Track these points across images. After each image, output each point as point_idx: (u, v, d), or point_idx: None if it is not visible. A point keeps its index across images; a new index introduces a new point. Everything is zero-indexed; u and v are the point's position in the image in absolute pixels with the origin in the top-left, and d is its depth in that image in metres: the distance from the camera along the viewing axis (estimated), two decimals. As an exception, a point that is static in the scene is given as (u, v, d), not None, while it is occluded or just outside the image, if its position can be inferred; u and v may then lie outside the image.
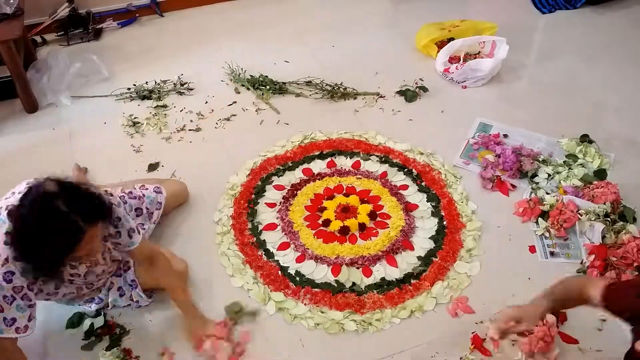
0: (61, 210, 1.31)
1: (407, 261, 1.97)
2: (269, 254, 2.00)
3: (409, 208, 2.15)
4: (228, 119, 2.60)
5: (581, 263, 1.93)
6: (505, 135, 2.44)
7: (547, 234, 2.02)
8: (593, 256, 1.89)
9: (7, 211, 1.41)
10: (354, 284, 1.90)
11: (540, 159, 2.28)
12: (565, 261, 1.95)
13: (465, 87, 2.75)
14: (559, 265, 1.93)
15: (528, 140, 2.39)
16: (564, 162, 2.28)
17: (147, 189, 1.99)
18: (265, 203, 2.19)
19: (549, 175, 2.23)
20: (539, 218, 2.06)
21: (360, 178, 2.27)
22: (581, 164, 2.26)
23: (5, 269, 1.41)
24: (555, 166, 2.26)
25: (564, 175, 2.21)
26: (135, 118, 2.61)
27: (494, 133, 2.45)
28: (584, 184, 2.16)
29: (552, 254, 1.97)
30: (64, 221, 1.31)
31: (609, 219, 2.00)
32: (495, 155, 2.31)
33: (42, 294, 1.56)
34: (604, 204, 2.02)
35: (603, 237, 1.94)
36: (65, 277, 1.57)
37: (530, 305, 1.43)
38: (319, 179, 2.27)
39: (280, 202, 2.19)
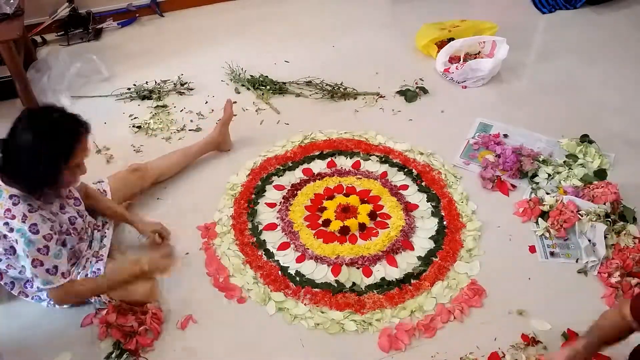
0: (55, 117, 1.53)
1: (407, 261, 1.97)
2: (269, 254, 2.00)
3: (409, 208, 2.15)
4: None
5: (576, 261, 1.94)
6: (505, 135, 2.44)
7: (547, 234, 2.02)
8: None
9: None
10: (354, 284, 1.90)
11: (540, 159, 2.28)
12: (565, 261, 1.95)
13: (465, 87, 2.75)
14: (559, 266, 1.93)
15: (528, 140, 2.39)
16: (564, 162, 2.28)
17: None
18: (266, 203, 2.19)
19: (549, 175, 2.23)
20: (539, 218, 2.06)
21: (361, 178, 2.27)
22: (581, 164, 2.26)
23: (29, 224, 1.53)
24: (555, 166, 2.26)
25: (564, 176, 2.21)
26: (136, 119, 2.61)
27: (494, 133, 2.45)
28: (584, 184, 2.16)
29: (552, 254, 1.97)
30: (61, 126, 1.52)
31: (609, 219, 2.00)
32: (496, 155, 2.31)
33: (60, 231, 1.66)
34: (604, 204, 2.02)
35: (605, 237, 1.94)
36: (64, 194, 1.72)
37: (568, 349, 1.42)
38: (319, 179, 2.27)
39: (280, 202, 2.19)
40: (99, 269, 1.78)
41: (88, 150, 1.59)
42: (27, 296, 1.79)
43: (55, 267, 1.59)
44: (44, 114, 1.54)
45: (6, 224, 1.53)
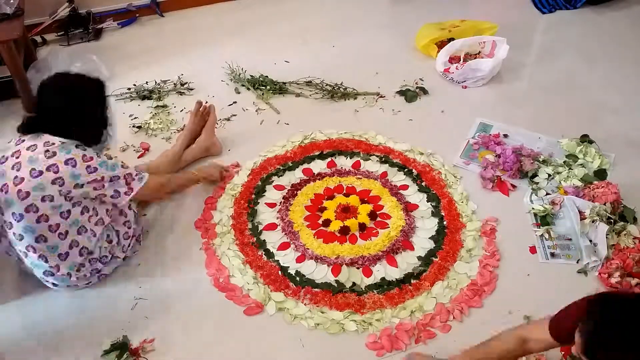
0: (78, 74, 1.85)
1: (407, 261, 1.97)
2: (269, 254, 2.00)
3: (409, 208, 2.15)
4: (228, 119, 2.60)
5: (577, 262, 1.93)
6: (505, 135, 2.44)
7: (547, 235, 2.02)
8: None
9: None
10: (354, 284, 1.90)
11: (541, 159, 2.28)
12: (565, 262, 1.95)
13: (466, 87, 2.75)
14: (560, 266, 1.93)
15: (528, 140, 2.39)
16: (564, 162, 2.28)
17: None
18: (266, 203, 2.19)
19: (549, 175, 2.23)
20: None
21: (361, 178, 2.27)
22: (581, 164, 2.26)
23: (102, 157, 1.76)
24: (555, 166, 2.26)
25: (564, 176, 2.21)
26: (136, 119, 2.61)
27: (494, 133, 2.45)
28: (584, 184, 2.16)
29: (552, 254, 1.97)
30: (90, 77, 1.84)
31: (610, 219, 2.00)
32: (496, 155, 2.31)
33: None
34: (604, 204, 2.02)
35: (606, 238, 1.94)
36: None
37: None
38: (319, 179, 2.27)
39: (280, 202, 2.19)
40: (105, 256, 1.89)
41: None
42: (58, 271, 1.79)
43: (136, 169, 1.85)
44: (64, 74, 1.84)
45: (88, 166, 1.69)
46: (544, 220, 2.06)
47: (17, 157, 1.68)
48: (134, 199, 1.87)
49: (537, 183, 2.21)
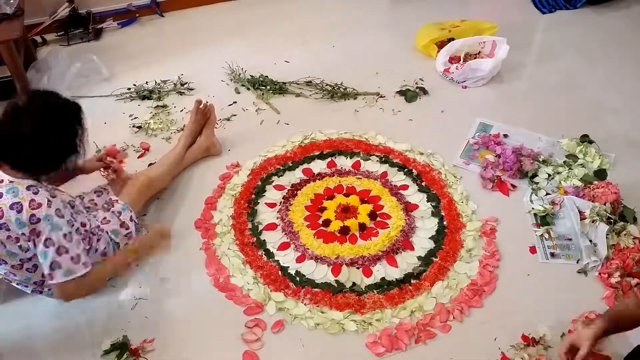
0: (55, 95, 1.60)
1: (407, 261, 1.97)
2: (269, 254, 2.00)
3: (409, 208, 2.15)
4: (228, 119, 2.60)
5: (577, 262, 1.93)
6: (505, 135, 2.44)
7: (547, 235, 2.02)
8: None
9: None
10: (354, 284, 1.90)
11: (541, 159, 2.28)
12: (565, 262, 1.95)
13: (466, 87, 2.75)
14: (560, 267, 1.93)
15: (528, 140, 2.39)
16: (564, 162, 2.28)
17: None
18: (266, 203, 2.19)
19: (549, 175, 2.23)
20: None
21: (361, 178, 2.27)
22: (581, 164, 2.26)
23: (54, 208, 1.53)
24: (555, 166, 2.26)
25: (564, 176, 2.21)
26: (136, 119, 2.61)
27: (494, 133, 2.45)
28: (584, 184, 2.16)
29: (552, 254, 1.97)
30: (65, 100, 1.60)
31: (610, 219, 2.00)
32: (496, 155, 2.31)
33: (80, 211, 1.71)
34: (604, 204, 2.02)
35: (606, 238, 1.94)
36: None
37: (585, 328, 1.40)
38: (319, 179, 2.27)
39: (280, 202, 2.19)
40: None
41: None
42: (41, 292, 1.78)
43: (78, 255, 1.58)
44: (39, 97, 1.57)
45: (32, 216, 1.50)
46: (544, 220, 2.06)
47: None
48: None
49: (537, 183, 2.21)
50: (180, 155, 2.26)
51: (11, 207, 1.50)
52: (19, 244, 1.55)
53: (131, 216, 1.92)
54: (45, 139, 1.51)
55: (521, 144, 2.34)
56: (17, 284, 1.74)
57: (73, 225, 1.60)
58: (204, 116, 2.36)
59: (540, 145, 2.38)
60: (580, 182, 2.18)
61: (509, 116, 2.55)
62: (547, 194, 2.16)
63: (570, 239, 2.00)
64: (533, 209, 2.11)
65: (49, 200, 1.53)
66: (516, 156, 2.24)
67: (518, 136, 2.43)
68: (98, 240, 1.78)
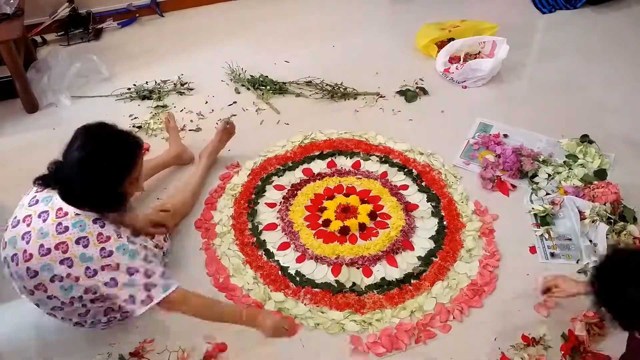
0: (117, 130, 1.50)
1: (407, 261, 1.97)
2: (269, 254, 2.00)
3: (409, 208, 2.15)
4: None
5: (577, 262, 1.94)
6: (505, 135, 2.44)
7: (547, 235, 2.02)
8: None
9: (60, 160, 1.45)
10: (354, 284, 1.90)
11: (541, 159, 2.28)
12: (565, 262, 1.94)
13: (466, 87, 2.75)
14: (560, 267, 1.93)
15: (528, 140, 2.39)
16: (564, 162, 2.28)
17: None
18: (266, 203, 2.19)
19: (549, 175, 2.23)
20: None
21: (361, 178, 2.27)
22: (581, 164, 2.26)
23: (125, 237, 1.47)
24: (555, 166, 2.26)
25: (564, 176, 2.21)
26: (136, 119, 2.61)
27: (494, 133, 2.45)
28: (584, 184, 2.16)
29: (552, 254, 1.97)
30: (123, 137, 1.50)
31: (610, 219, 1.99)
32: (496, 155, 2.31)
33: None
34: (604, 204, 2.02)
35: (606, 238, 1.94)
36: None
37: (570, 283, 1.66)
38: (319, 179, 2.27)
39: (280, 202, 2.19)
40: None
41: (142, 165, 1.57)
42: (83, 325, 1.66)
43: (163, 272, 1.50)
44: (99, 128, 1.49)
45: (103, 249, 1.43)
46: (544, 220, 2.06)
47: (28, 225, 1.48)
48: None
49: (537, 183, 2.21)
50: (202, 179, 2.22)
51: (77, 241, 1.42)
52: (78, 282, 1.46)
53: (165, 236, 1.93)
54: (94, 174, 1.42)
55: (521, 144, 2.34)
56: (62, 318, 1.63)
57: (144, 247, 1.52)
58: (229, 135, 2.34)
59: (540, 145, 2.38)
60: (581, 182, 2.18)
61: (509, 116, 2.55)
62: (547, 194, 2.16)
63: (570, 239, 2.00)
64: (533, 209, 2.11)
65: (117, 232, 1.46)
66: (516, 156, 2.24)
67: (518, 136, 2.43)
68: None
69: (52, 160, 1.47)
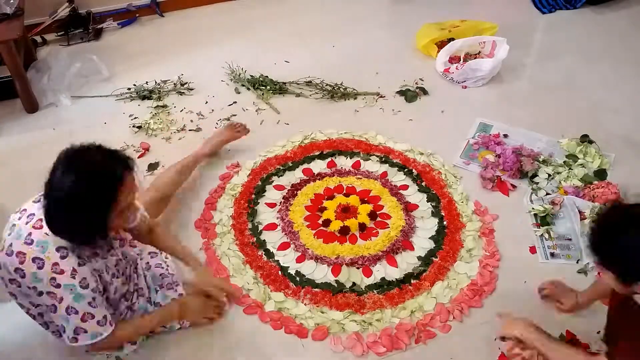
0: (96, 159, 1.36)
1: (407, 261, 1.97)
2: (269, 254, 2.00)
3: (409, 208, 2.15)
4: (228, 119, 2.60)
5: (577, 262, 1.94)
6: (506, 135, 2.44)
7: (547, 235, 2.02)
8: None
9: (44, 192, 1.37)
10: (354, 284, 1.90)
11: (540, 159, 2.28)
12: (565, 262, 1.95)
13: (466, 87, 2.75)
14: (560, 267, 1.93)
15: (528, 140, 2.39)
16: (564, 162, 2.28)
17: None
18: (266, 203, 2.19)
19: (549, 175, 2.23)
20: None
21: (361, 178, 2.27)
22: (581, 164, 2.26)
23: (79, 279, 1.42)
24: (555, 166, 2.26)
25: (564, 176, 2.21)
26: (136, 119, 2.61)
27: (494, 133, 2.45)
28: (584, 184, 2.16)
29: (552, 255, 1.97)
30: (103, 168, 1.35)
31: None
32: (496, 155, 2.31)
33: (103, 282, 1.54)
34: (604, 204, 2.02)
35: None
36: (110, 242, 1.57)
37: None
38: (319, 179, 2.27)
39: (280, 202, 2.19)
40: (144, 307, 1.72)
41: (136, 188, 1.44)
42: (61, 336, 1.61)
43: (105, 316, 1.49)
44: (80, 155, 1.37)
45: (53, 279, 1.40)
46: (544, 220, 2.06)
47: (19, 219, 1.46)
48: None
49: (537, 183, 2.21)
50: (193, 164, 2.21)
51: (34, 260, 1.39)
52: (29, 299, 1.50)
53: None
54: (70, 206, 1.34)
55: (521, 144, 2.33)
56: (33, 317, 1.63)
57: (98, 289, 1.48)
58: (233, 132, 2.36)
59: (540, 145, 2.38)
60: (580, 182, 2.18)
61: (509, 116, 2.55)
62: (547, 194, 2.16)
63: (570, 239, 2.00)
64: (533, 209, 2.10)
65: (74, 270, 1.41)
66: (516, 156, 2.24)
67: (518, 136, 2.43)
68: (140, 296, 1.72)
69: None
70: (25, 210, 1.47)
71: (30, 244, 1.40)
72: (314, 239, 2.04)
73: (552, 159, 2.31)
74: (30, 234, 1.41)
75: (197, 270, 1.83)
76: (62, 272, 1.40)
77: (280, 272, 1.94)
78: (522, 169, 2.24)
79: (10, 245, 1.42)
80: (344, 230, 2.06)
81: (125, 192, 1.39)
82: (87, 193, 1.33)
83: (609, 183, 2.12)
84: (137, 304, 1.71)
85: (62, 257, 1.40)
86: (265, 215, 2.15)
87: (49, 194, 1.35)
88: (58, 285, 1.40)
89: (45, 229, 1.40)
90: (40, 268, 1.39)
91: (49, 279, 1.40)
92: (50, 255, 1.40)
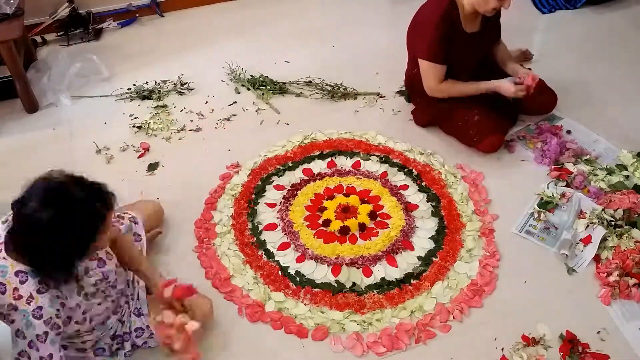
0: (79, 197, 1.29)
1: (407, 261, 1.97)
2: (269, 254, 2.01)
3: (409, 208, 2.15)
4: (228, 119, 2.60)
5: (549, 248, 1.95)
6: (569, 132, 2.41)
7: (536, 215, 2.05)
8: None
9: (10, 215, 1.32)
10: (354, 284, 1.90)
11: (584, 159, 2.26)
12: (534, 242, 1.98)
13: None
14: (560, 267, 1.92)
15: (588, 140, 2.37)
16: (608, 167, 2.22)
17: (122, 222, 1.77)
18: (266, 203, 2.19)
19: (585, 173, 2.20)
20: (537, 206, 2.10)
21: (361, 178, 2.27)
22: (626, 176, 2.18)
23: (33, 307, 1.34)
24: (595, 168, 2.21)
25: (599, 178, 2.17)
26: (136, 119, 2.61)
27: (558, 124, 2.43)
28: (611, 190, 2.11)
29: (528, 232, 2.01)
30: (85, 208, 1.29)
31: (612, 223, 1.98)
32: (542, 143, 2.33)
33: (70, 321, 1.45)
34: (616, 210, 2.00)
35: (605, 240, 1.95)
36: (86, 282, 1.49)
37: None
38: (319, 179, 2.27)
39: (280, 202, 2.19)
40: (140, 328, 1.66)
41: (110, 227, 1.41)
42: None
43: (51, 355, 1.37)
44: (62, 190, 1.30)
45: (10, 304, 1.34)
46: (544, 205, 2.08)
47: None
48: None
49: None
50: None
51: None
52: None
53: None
54: (45, 239, 1.28)
55: (576, 142, 2.34)
56: None
57: (54, 323, 1.37)
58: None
59: (598, 148, 2.33)
60: (610, 188, 2.13)
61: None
62: (568, 185, 2.16)
63: (556, 228, 2.02)
64: (544, 192, 2.12)
65: (30, 295, 1.34)
66: (560, 148, 2.26)
67: (580, 134, 2.40)
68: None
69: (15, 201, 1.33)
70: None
71: None
72: (314, 239, 2.04)
73: (597, 161, 2.26)
74: None
75: (154, 289, 1.66)
76: (19, 297, 1.34)
77: (280, 272, 1.94)
78: (558, 160, 2.25)
79: None
80: (344, 230, 2.06)
81: (105, 231, 1.36)
82: (68, 232, 1.28)
83: (633, 192, 2.06)
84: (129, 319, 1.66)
85: (21, 282, 1.34)
86: (265, 215, 2.15)
87: (21, 222, 1.30)
88: (15, 309, 1.34)
89: (3, 255, 1.35)
90: (2, 293, 1.33)
91: (7, 304, 1.34)
92: (10, 279, 1.34)
